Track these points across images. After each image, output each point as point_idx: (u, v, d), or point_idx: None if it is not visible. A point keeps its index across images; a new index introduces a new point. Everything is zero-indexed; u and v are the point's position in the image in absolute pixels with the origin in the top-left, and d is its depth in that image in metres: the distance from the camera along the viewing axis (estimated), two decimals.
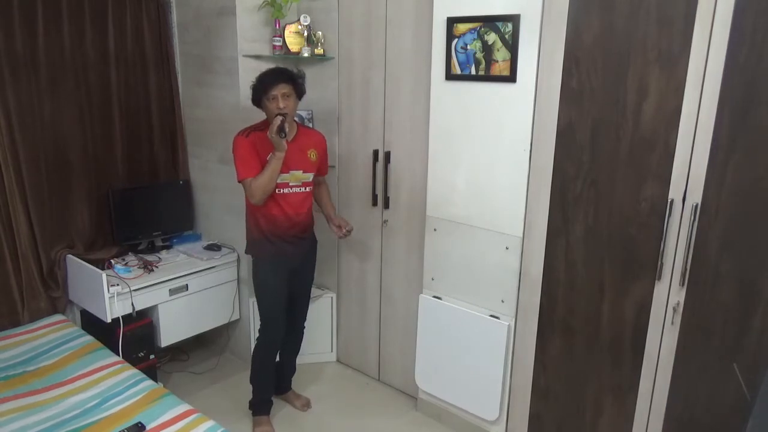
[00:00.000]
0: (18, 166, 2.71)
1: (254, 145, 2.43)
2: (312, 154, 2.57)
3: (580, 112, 2.09)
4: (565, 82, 2.10)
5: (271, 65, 2.70)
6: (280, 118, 2.33)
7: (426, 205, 2.64)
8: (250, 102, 2.50)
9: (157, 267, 2.93)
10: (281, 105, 2.36)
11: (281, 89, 2.36)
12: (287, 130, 2.37)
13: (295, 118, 2.66)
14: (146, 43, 3.08)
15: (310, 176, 2.57)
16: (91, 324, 2.83)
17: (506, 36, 2.19)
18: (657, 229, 1.98)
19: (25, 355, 2.51)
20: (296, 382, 3.01)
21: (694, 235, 1.91)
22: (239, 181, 2.45)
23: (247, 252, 2.63)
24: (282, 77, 2.38)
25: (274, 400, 2.83)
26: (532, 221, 2.30)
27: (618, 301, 2.13)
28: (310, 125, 3.05)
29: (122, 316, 2.69)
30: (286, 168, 2.45)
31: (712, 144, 1.82)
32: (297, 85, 2.44)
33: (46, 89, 2.76)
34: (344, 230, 2.74)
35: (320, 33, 2.91)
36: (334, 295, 3.28)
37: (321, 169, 2.68)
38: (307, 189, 2.58)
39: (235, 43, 2.85)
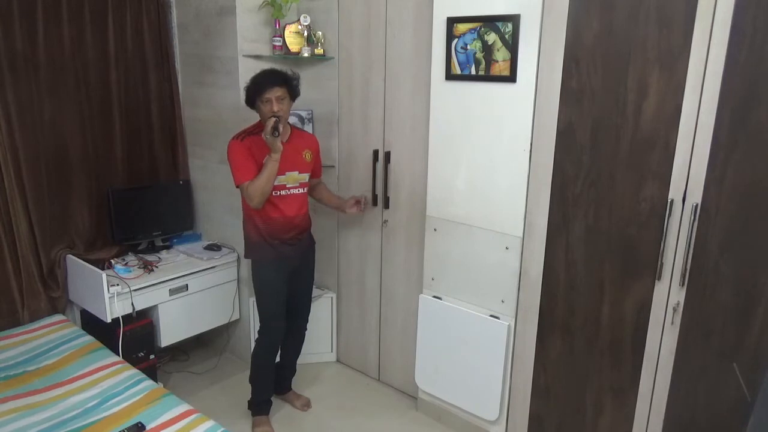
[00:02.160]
0: (18, 166, 2.71)
1: (249, 149, 2.42)
2: (307, 155, 2.58)
3: (580, 112, 2.09)
4: (565, 82, 2.10)
5: (271, 65, 2.71)
6: (273, 119, 2.32)
7: (426, 205, 2.64)
8: None
9: (157, 267, 2.93)
10: (275, 108, 2.35)
11: (275, 92, 2.35)
12: (281, 129, 2.36)
13: (293, 118, 2.66)
14: (146, 43, 3.08)
15: (306, 177, 2.57)
16: (91, 324, 2.83)
17: (506, 36, 2.19)
18: (657, 229, 1.98)
19: (25, 355, 2.50)
20: (296, 382, 3.01)
21: (694, 235, 1.91)
22: (237, 186, 2.44)
23: (246, 256, 2.62)
24: (276, 80, 2.37)
25: (274, 400, 2.83)
26: (532, 221, 2.30)
27: (618, 301, 2.14)
28: (310, 125, 3.05)
29: (122, 316, 2.69)
30: (282, 170, 2.45)
31: (712, 144, 1.82)
32: (291, 87, 2.43)
33: (46, 89, 2.76)
34: (362, 202, 2.80)
35: (320, 33, 2.91)
36: (334, 295, 3.28)
37: (315, 170, 2.69)
38: (304, 190, 2.58)
39: (235, 43, 2.85)
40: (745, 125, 1.76)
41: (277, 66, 2.71)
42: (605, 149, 2.06)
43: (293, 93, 2.46)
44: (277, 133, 2.32)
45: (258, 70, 2.49)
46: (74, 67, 2.83)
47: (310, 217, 2.70)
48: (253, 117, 2.56)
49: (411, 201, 2.79)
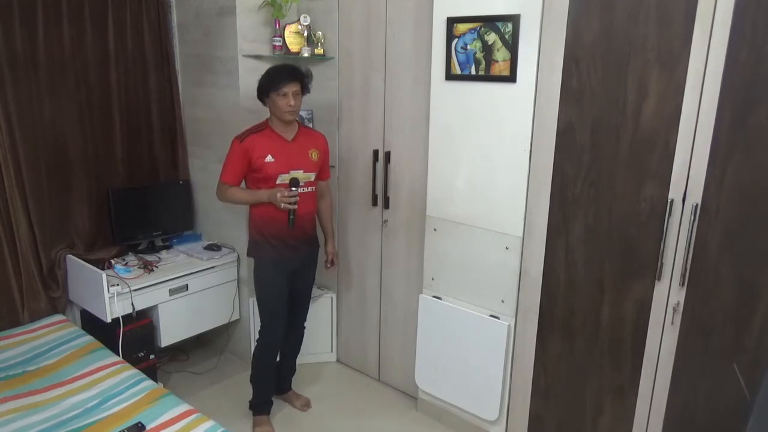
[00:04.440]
0: (18, 165, 2.71)
1: (246, 150, 2.44)
2: (313, 154, 2.57)
3: (580, 112, 2.09)
4: (565, 82, 2.10)
5: (271, 65, 2.70)
6: (294, 208, 2.41)
7: (426, 205, 2.64)
8: (249, 102, 2.50)
9: (157, 267, 2.93)
10: (292, 102, 2.39)
11: (293, 87, 2.40)
12: (293, 223, 2.45)
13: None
14: (146, 43, 3.08)
15: (311, 176, 2.57)
16: (91, 324, 2.83)
17: (506, 36, 2.19)
18: (657, 229, 1.98)
19: (25, 355, 2.50)
20: (296, 382, 3.01)
21: (694, 235, 1.91)
22: (219, 181, 2.51)
23: (248, 254, 2.63)
24: (295, 75, 2.42)
25: (274, 400, 2.83)
26: (532, 221, 2.30)
27: (618, 301, 2.13)
28: (310, 125, 3.05)
29: (122, 316, 2.69)
30: (286, 168, 2.46)
31: (712, 144, 1.82)
32: (305, 84, 2.48)
33: (46, 89, 2.75)
34: (332, 265, 2.87)
35: (320, 33, 2.91)
36: (334, 295, 3.28)
37: (323, 171, 2.67)
38: (310, 189, 2.58)
39: (235, 43, 2.85)
40: (745, 125, 1.76)
41: (287, 63, 2.70)
42: (605, 149, 2.06)
43: (305, 90, 2.50)
44: (290, 226, 2.45)
45: (258, 70, 2.49)
46: (74, 67, 2.83)
47: (315, 220, 2.70)
48: (254, 117, 2.56)
49: (411, 201, 2.79)
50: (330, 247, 2.84)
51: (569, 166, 2.16)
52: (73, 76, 2.84)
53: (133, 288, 2.72)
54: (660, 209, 1.97)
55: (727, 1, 1.72)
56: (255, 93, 2.49)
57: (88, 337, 2.64)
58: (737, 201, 1.81)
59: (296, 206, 2.42)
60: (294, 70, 2.44)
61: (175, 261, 3.05)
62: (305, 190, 2.55)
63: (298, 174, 2.50)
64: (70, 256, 2.89)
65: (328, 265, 2.87)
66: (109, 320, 2.67)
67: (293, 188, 2.42)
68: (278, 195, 2.40)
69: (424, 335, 2.74)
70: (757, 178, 1.76)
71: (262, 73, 2.47)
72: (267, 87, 2.42)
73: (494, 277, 2.45)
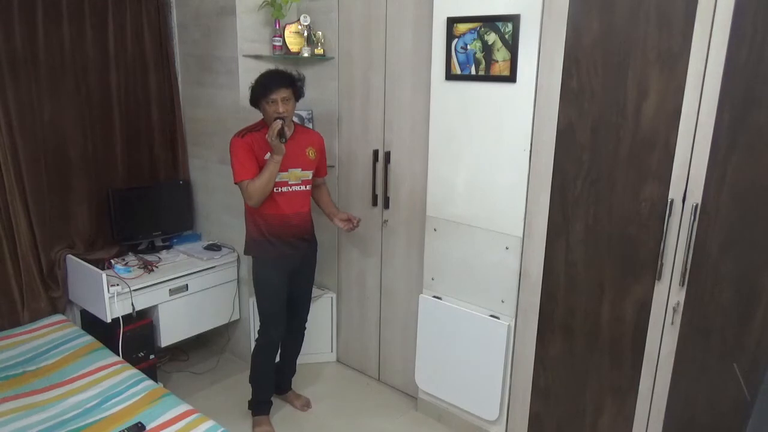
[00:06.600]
0: (18, 166, 2.71)
1: (251, 146, 2.43)
2: (310, 152, 2.58)
3: (580, 112, 2.09)
4: (565, 82, 2.10)
5: (271, 65, 2.71)
6: (279, 122, 2.33)
7: (426, 205, 2.64)
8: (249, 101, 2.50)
9: (157, 267, 2.93)
10: (280, 109, 2.36)
11: (281, 94, 2.36)
12: (287, 134, 2.37)
13: (294, 119, 2.66)
14: (146, 44, 3.08)
15: (309, 174, 2.57)
16: (91, 324, 2.83)
17: (506, 36, 2.19)
18: (657, 229, 1.98)
19: (25, 355, 2.51)
20: (296, 382, 3.01)
21: (694, 235, 1.91)
22: (236, 183, 2.44)
23: (246, 253, 2.63)
24: (282, 81, 2.38)
25: (274, 400, 2.83)
26: (532, 221, 2.30)
27: (618, 301, 2.14)
28: (310, 125, 3.05)
29: (122, 316, 2.69)
30: (284, 167, 2.46)
31: (712, 144, 1.82)
32: (296, 88, 2.44)
33: (46, 89, 2.76)
34: (354, 222, 2.76)
35: (320, 33, 2.91)
36: (334, 295, 3.28)
37: (320, 169, 2.68)
38: (307, 187, 2.58)
39: (235, 43, 2.85)
40: (745, 125, 1.76)
41: (278, 66, 2.71)
42: (605, 149, 2.06)
43: (298, 94, 2.47)
44: (284, 139, 2.34)
45: (258, 70, 2.48)
46: (74, 67, 2.83)
47: (313, 218, 2.69)
48: (254, 117, 2.56)
49: (411, 201, 2.79)
50: (340, 214, 2.77)
51: (569, 166, 2.16)
52: (73, 76, 2.84)
53: (133, 288, 2.72)
54: (660, 209, 1.97)
55: (727, 1, 1.72)
56: None
57: (88, 337, 2.64)
58: (737, 201, 1.82)
59: (282, 125, 2.34)
60: (282, 77, 2.40)
61: (175, 261, 3.05)
62: (302, 188, 2.56)
63: (296, 171, 2.50)
64: (70, 256, 2.89)
65: (354, 224, 2.76)
66: (109, 320, 2.67)
67: (276, 119, 2.35)
68: (269, 133, 2.34)
69: (424, 335, 2.74)
70: (757, 178, 1.76)
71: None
72: (257, 95, 2.40)
73: (494, 277, 2.45)
